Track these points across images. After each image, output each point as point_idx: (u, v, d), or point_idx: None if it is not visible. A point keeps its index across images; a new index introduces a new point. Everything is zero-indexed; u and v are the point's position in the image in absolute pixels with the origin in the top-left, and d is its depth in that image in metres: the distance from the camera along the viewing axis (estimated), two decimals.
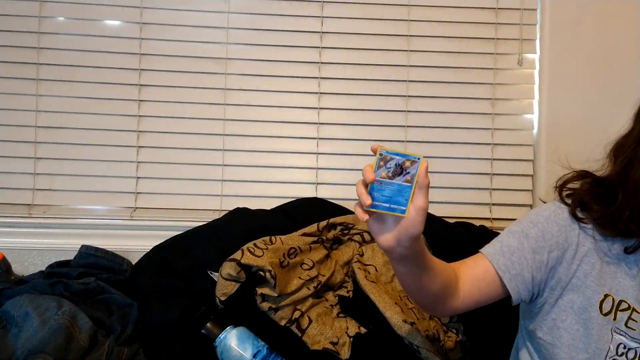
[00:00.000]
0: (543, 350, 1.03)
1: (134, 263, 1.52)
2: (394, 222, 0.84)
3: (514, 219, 1.71)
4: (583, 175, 1.05)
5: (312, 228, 1.45)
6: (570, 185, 1.05)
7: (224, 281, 1.26)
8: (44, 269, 1.48)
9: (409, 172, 0.82)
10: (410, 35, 1.75)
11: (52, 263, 1.47)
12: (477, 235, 1.54)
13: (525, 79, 1.76)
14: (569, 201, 1.02)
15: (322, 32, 1.74)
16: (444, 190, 1.75)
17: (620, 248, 1.00)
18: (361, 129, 1.75)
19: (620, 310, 0.97)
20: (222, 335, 1.20)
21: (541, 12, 1.75)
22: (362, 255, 1.44)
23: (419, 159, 0.82)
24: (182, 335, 1.21)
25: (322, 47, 1.74)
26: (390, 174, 0.82)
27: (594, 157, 1.05)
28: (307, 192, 1.73)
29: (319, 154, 1.74)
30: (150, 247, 1.49)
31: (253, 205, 1.64)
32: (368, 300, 1.33)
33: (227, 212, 1.59)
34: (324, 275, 1.37)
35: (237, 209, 1.59)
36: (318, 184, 1.74)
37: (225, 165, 1.72)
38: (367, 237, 1.49)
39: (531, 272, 0.98)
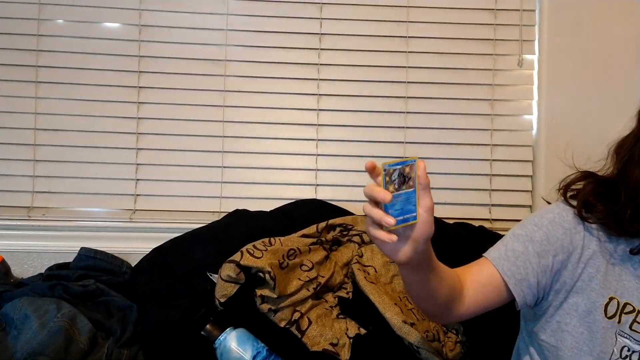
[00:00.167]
0: (546, 352, 1.02)
1: (133, 265, 1.52)
2: (406, 233, 0.82)
3: (514, 220, 1.75)
4: (586, 175, 1.04)
5: (312, 229, 1.45)
6: (573, 187, 1.05)
7: (224, 283, 1.26)
8: (43, 271, 1.48)
9: (410, 177, 0.81)
10: (409, 37, 1.75)
11: (52, 265, 1.47)
12: (476, 235, 1.54)
13: (524, 79, 1.76)
14: (573, 202, 1.02)
15: (321, 34, 1.74)
16: (444, 192, 1.75)
17: (626, 249, 1.00)
18: (360, 130, 1.75)
19: (625, 313, 0.97)
20: (221, 337, 1.20)
21: (540, 13, 1.75)
22: (361, 256, 1.44)
23: (414, 161, 0.81)
24: (182, 337, 1.21)
25: (321, 49, 1.74)
26: (396, 186, 0.80)
27: (594, 157, 1.05)
28: (307, 193, 1.72)
29: (318, 155, 1.74)
30: (150, 249, 1.49)
31: (252, 206, 1.64)
32: (368, 301, 1.33)
33: (227, 213, 1.59)
34: (323, 277, 1.37)
35: (237, 211, 1.59)
36: (317, 185, 1.74)
37: (224, 167, 1.72)
38: (366, 238, 1.49)
39: (536, 276, 0.98)
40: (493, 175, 1.76)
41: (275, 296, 1.27)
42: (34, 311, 1.17)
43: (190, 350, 1.20)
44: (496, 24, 1.76)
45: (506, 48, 1.76)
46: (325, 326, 1.30)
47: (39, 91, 1.69)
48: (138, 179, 1.71)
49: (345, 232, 1.49)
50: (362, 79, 1.74)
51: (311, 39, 1.74)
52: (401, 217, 0.79)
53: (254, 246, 1.31)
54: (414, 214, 0.80)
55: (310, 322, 1.30)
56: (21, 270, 1.61)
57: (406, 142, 1.75)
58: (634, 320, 0.97)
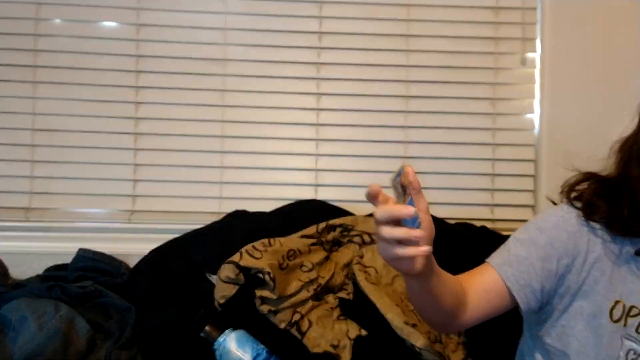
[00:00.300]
0: (553, 357, 1.01)
1: (132, 266, 1.51)
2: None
3: (516, 220, 1.73)
4: (588, 176, 1.04)
5: (311, 230, 1.44)
6: (577, 188, 1.04)
7: (223, 284, 1.25)
8: (41, 272, 1.46)
9: (406, 185, 0.80)
10: (409, 35, 1.74)
11: (50, 267, 1.46)
12: (477, 236, 1.53)
13: (526, 78, 1.75)
14: (577, 204, 1.01)
15: (321, 33, 1.73)
16: (445, 192, 1.73)
17: (631, 250, 0.99)
18: (360, 129, 1.74)
19: (631, 316, 0.96)
20: (221, 339, 1.19)
21: (541, 10, 1.74)
22: (362, 257, 1.42)
23: (403, 169, 0.80)
24: (181, 339, 1.20)
25: (321, 48, 1.73)
26: (403, 198, 0.79)
27: (596, 156, 1.04)
28: (307, 193, 1.71)
29: (318, 155, 1.73)
30: (149, 251, 1.48)
31: (252, 207, 1.62)
32: (369, 302, 1.31)
33: (226, 214, 1.58)
34: (323, 277, 1.36)
35: (236, 212, 1.58)
36: (317, 185, 1.73)
37: (223, 167, 1.71)
38: (366, 238, 1.47)
39: (540, 281, 0.97)
40: (495, 175, 1.75)
41: (275, 297, 1.26)
42: (31, 313, 1.16)
43: (190, 351, 1.19)
44: (497, 22, 1.75)
45: (508, 46, 1.75)
46: (325, 327, 1.29)
47: (36, 91, 1.68)
48: (136, 180, 1.70)
49: (345, 233, 1.48)
50: (362, 78, 1.73)
51: (311, 37, 1.73)
52: (415, 226, 0.77)
53: (253, 247, 1.30)
54: (419, 220, 0.78)
55: (310, 324, 1.28)
56: (19, 271, 1.59)
57: (407, 142, 1.74)
58: None
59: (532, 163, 1.74)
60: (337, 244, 1.48)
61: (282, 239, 1.36)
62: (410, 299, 0.94)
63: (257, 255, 1.27)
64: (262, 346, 1.20)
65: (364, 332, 1.28)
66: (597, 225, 0.99)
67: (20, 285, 1.37)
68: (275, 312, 1.27)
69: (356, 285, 1.38)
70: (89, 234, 1.63)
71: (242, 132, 1.71)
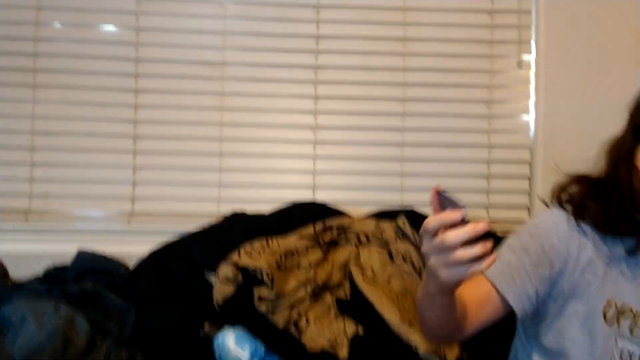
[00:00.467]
0: (549, 356, 1.01)
1: (131, 267, 1.51)
2: None
3: (511, 222, 1.75)
4: (578, 178, 1.04)
5: (309, 230, 1.45)
6: (568, 190, 1.04)
7: (222, 283, 1.26)
8: (41, 273, 1.47)
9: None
10: (406, 39, 1.76)
11: (49, 267, 1.47)
12: None
13: (521, 80, 1.77)
14: (567, 207, 1.02)
15: (318, 37, 1.75)
16: None
17: (622, 250, 1.00)
18: (357, 132, 1.75)
19: (624, 317, 0.97)
20: (220, 337, 1.20)
21: (536, 13, 1.76)
22: (358, 256, 1.44)
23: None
24: (181, 338, 1.21)
25: (318, 51, 1.75)
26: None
27: (591, 158, 1.05)
28: (305, 195, 1.72)
29: (316, 157, 1.74)
30: (148, 252, 1.49)
31: (250, 209, 1.63)
32: (366, 301, 1.33)
33: (225, 216, 1.59)
34: (320, 277, 1.38)
35: (234, 213, 1.59)
36: (315, 187, 1.74)
37: (222, 170, 1.72)
38: (363, 239, 1.49)
39: (534, 286, 0.97)
40: (490, 176, 1.76)
41: (273, 296, 1.27)
42: (31, 313, 1.17)
43: (189, 350, 1.20)
44: (493, 25, 1.77)
45: (503, 49, 1.77)
46: (323, 326, 1.30)
47: (36, 94, 1.69)
48: (136, 182, 1.71)
49: (342, 233, 1.49)
50: (359, 81, 1.75)
51: (308, 41, 1.75)
52: None
53: (251, 247, 1.31)
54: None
55: (308, 322, 1.30)
56: (19, 273, 1.59)
57: (403, 145, 1.75)
58: (633, 323, 0.97)
59: (528, 165, 1.76)
60: (334, 244, 1.49)
61: (280, 239, 1.38)
62: (426, 316, 0.92)
63: (256, 255, 1.29)
64: (261, 343, 1.22)
65: (361, 330, 1.30)
66: (587, 227, 1.00)
67: (20, 286, 1.38)
68: (274, 311, 1.29)
69: (353, 284, 1.39)
70: (89, 236, 1.65)
71: (240, 135, 1.73)
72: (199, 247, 1.45)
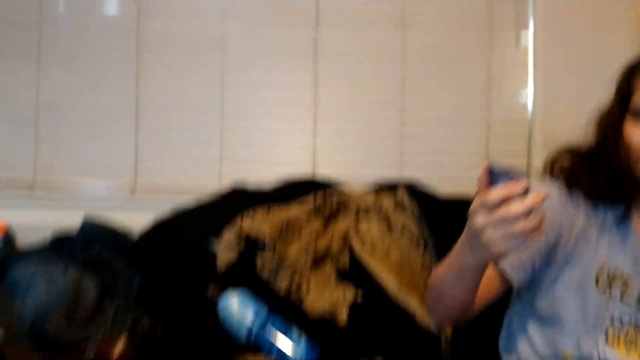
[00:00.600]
0: (544, 322, 1.04)
1: (135, 237, 1.54)
2: None
3: None
4: (570, 151, 1.07)
5: (309, 200, 1.48)
6: (559, 162, 1.07)
7: (225, 250, 1.29)
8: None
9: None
10: (405, 14, 1.76)
11: (56, 234, 1.49)
12: (469, 207, 1.56)
13: (519, 57, 1.79)
14: (560, 179, 1.05)
15: (318, 10, 1.75)
16: (440, 169, 1.77)
17: (612, 218, 1.03)
18: (358, 108, 1.77)
19: (615, 283, 1.00)
20: (224, 300, 1.23)
21: None
22: (358, 226, 1.47)
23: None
24: (185, 300, 1.24)
25: (319, 26, 1.75)
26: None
27: (587, 131, 1.07)
28: (305, 171, 1.74)
29: (316, 133, 1.76)
30: (147, 225, 1.52)
31: (251, 184, 1.66)
32: (365, 269, 1.36)
33: (226, 188, 1.62)
34: (321, 245, 1.41)
35: (236, 185, 1.62)
36: (315, 163, 1.76)
37: (223, 144, 1.74)
38: (362, 210, 1.51)
39: (531, 258, 1.00)
40: (489, 152, 1.78)
41: (274, 262, 1.30)
42: (41, 275, 1.20)
43: (194, 311, 1.23)
44: (491, 3, 1.78)
45: (502, 26, 1.78)
46: (323, 292, 1.34)
47: (40, 66, 1.70)
48: (138, 156, 1.73)
49: (342, 204, 1.52)
50: (359, 58, 1.76)
51: (308, 15, 1.75)
52: None
53: (253, 215, 1.34)
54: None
55: (309, 288, 1.33)
56: (25, 244, 1.63)
57: (403, 121, 1.77)
58: (624, 289, 1.00)
59: (526, 140, 1.78)
60: (334, 215, 1.52)
61: (281, 208, 1.41)
62: (446, 295, 0.97)
63: (258, 222, 1.32)
64: (263, 306, 1.25)
65: (359, 297, 1.33)
66: (579, 197, 1.03)
67: (28, 251, 1.41)
68: (275, 277, 1.32)
69: (352, 253, 1.42)
70: (92, 208, 1.66)
71: (241, 110, 1.75)
72: (202, 216, 1.48)
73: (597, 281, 1.00)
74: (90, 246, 1.41)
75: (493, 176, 0.79)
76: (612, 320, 0.99)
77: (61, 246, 1.41)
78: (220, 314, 1.24)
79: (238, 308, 1.23)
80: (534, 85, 1.77)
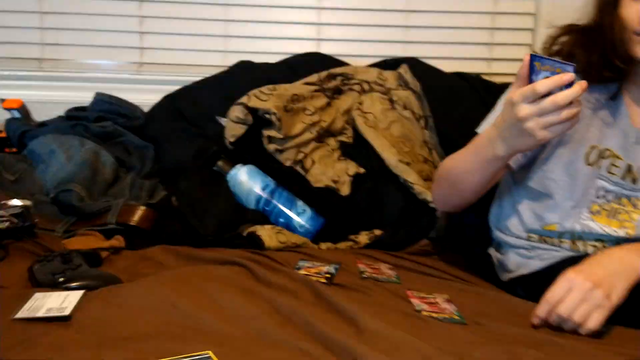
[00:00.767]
0: (535, 198, 1.10)
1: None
2: None
3: (513, 74, 1.78)
4: (568, 29, 1.07)
5: (314, 78, 1.50)
6: (558, 41, 1.07)
7: (233, 124, 1.34)
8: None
9: None
10: None
11: (70, 108, 1.54)
12: (471, 83, 1.59)
13: None
14: (558, 57, 1.05)
15: None
16: (444, 46, 1.77)
17: (605, 97, 1.05)
18: None
19: (604, 158, 1.05)
20: (232, 172, 1.30)
21: None
22: (361, 103, 1.50)
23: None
24: (197, 172, 1.31)
25: None
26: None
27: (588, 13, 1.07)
28: (309, 48, 1.74)
29: (321, 8, 1.74)
30: (157, 102, 1.55)
31: (256, 60, 1.67)
32: (367, 144, 1.42)
33: (232, 65, 1.63)
34: (325, 121, 1.45)
35: (242, 62, 1.63)
36: (320, 40, 1.76)
37: (227, 21, 1.73)
38: (365, 87, 1.54)
39: None
40: (494, 29, 1.77)
41: (280, 137, 1.36)
42: (59, 146, 1.26)
43: (206, 180, 1.31)
44: None
45: None
46: (327, 166, 1.41)
47: None
48: (143, 32, 1.72)
49: (346, 81, 1.54)
50: None
51: None
52: None
53: (260, 91, 1.38)
54: None
55: (313, 162, 1.40)
56: (38, 119, 1.68)
57: None
58: (612, 164, 1.05)
59: (532, 17, 1.76)
60: (338, 92, 1.55)
61: (286, 85, 1.44)
62: (466, 183, 1.06)
63: (264, 98, 1.35)
64: (270, 179, 1.32)
65: (362, 170, 1.40)
66: (576, 76, 1.05)
67: (44, 124, 1.47)
68: (281, 151, 1.38)
69: (355, 130, 1.48)
70: (101, 84, 1.69)
71: None
72: (209, 92, 1.51)
73: (587, 158, 1.05)
74: (103, 120, 1.46)
75: (534, 67, 0.84)
76: (597, 194, 1.05)
77: (76, 121, 1.46)
78: (230, 186, 1.31)
79: (247, 180, 1.30)
80: None
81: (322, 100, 1.48)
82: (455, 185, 1.10)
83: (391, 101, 1.51)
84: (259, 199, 1.30)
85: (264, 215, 1.30)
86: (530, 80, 0.87)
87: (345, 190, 1.38)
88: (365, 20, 1.75)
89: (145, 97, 1.64)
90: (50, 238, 1.15)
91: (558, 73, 0.84)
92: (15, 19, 1.69)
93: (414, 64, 1.57)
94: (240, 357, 0.72)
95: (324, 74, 1.52)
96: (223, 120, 1.40)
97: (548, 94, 0.84)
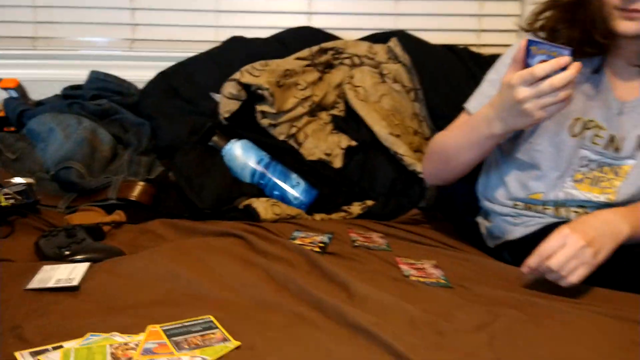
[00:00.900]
0: (523, 168, 1.14)
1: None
2: None
3: (501, 45, 1.80)
4: (551, 4, 1.10)
5: (305, 52, 1.52)
6: (541, 16, 1.10)
7: (227, 100, 1.37)
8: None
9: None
10: None
11: (66, 86, 1.56)
12: (459, 55, 1.61)
13: None
14: (542, 33, 1.09)
15: None
16: (433, 17, 1.79)
17: (588, 71, 1.08)
18: None
19: (588, 129, 1.09)
20: (228, 146, 1.34)
21: None
22: (352, 77, 1.53)
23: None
24: (193, 148, 1.35)
25: None
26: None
27: None
28: (300, 22, 1.75)
29: None
30: (150, 78, 1.58)
31: (247, 35, 1.68)
32: (358, 117, 1.45)
33: (224, 40, 1.65)
34: (317, 96, 1.48)
35: (234, 37, 1.65)
36: (311, 13, 1.77)
37: None
38: (356, 61, 1.57)
39: None
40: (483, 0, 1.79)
41: (274, 112, 1.39)
42: (57, 124, 1.29)
43: (202, 155, 1.34)
44: None
45: None
46: (320, 139, 1.44)
47: None
48: (134, 8, 1.73)
49: (337, 56, 1.57)
50: None
51: None
52: None
53: (252, 66, 1.40)
54: None
55: (306, 136, 1.44)
56: (34, 97, 1.70)
57: None
58: (595, 134, 1.09)
59: None
60: (329, 66, 1.57)
61: (278, 61, 1.46)
62: (460, 160, 1.11)
63: (257, 74, 1.38)
64: (265, 153, 1.36)
65: (353, 143, 1.44)
66: None
67: (41, 103, 1.49)
68: (275, 126, 1.42)
69: (347, 103, 1.51)
70: (95, 62, 1.71)
71: None
72: (203, 69, 1.54)
73: (571, 130, 1.09)
74: (99, 98, 1.48)
75: (530, 51, 0.88)
76: (581, 163, 1.10)
77: (72, 100, 1.48)
78: (225, 161, 1.35)
79: (241, 154, 1.33)
80: None
81: (313, 75, 1.50)
82: (449, 161, 1.14)
83: (381, 75, 1.54)
84: (253, 172, 1.34)
85: (259, 188, 1.34)
86: (526, 64, 0.92)
87: (337, 162, 1.42)
88: None
89: (139, 74, 1.66)
90: (53, 214, 1.19)
91: (554, 56, 0.88)
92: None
93: (404, 37, 1.59)
94: (239, 320, 0.77)
95: (315, 48, 1.54)
96: (217, 97, 1.43)
97: (545, 76, 0.88)
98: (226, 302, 0.83)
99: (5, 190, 1.08)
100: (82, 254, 0.94)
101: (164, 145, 1.39)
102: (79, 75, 1.62)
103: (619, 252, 0.93)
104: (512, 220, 1.16)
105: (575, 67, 0.88)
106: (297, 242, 1.10)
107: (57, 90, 1.67)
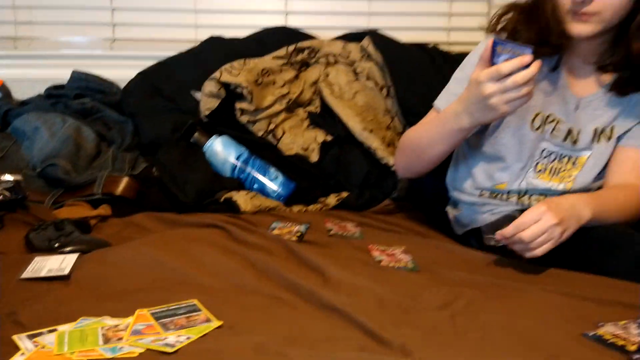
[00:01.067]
0: (489, 161, 1.20)
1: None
2: None
3: (471, 44, 1.87)
4: (512, 7, 1.16)
5: (282, 52, 1.58)
6: (503, 18, 1.16)
7: (207, 98, 1.43)
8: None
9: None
10: None
11: (49, 87, 1.60)
12: (429, 53, 1.69)
13: None
14: (503, 34, 1.15)
15: None
16: (403, 17, 1.86)
17: (547, 69, 1.15)
18: None
19: (548, 123, 1.16)
20: (209, 143, 1.39)
21: None
22: (327, 75, 1.59)
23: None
24: (175, 143, 1.40)
25: None
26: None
27: None
28: (277, 21, 1.81)
29: None
30: (131, 77, 1.61)
31: (225, 35, 1.73)
32: (333, 113, 1.52)
33: (203, 40, 1.70)
34: (294, 93, 1.55)
35: (212, 38, 1.70)
36: (287, 13, 1.83)
37: None
38: (331, 59, 1.63)
39: None
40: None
41: (252, 109, 1.45)
42: (42, 123, 1.33)
43: (184, 152, 1.40)
44: None
45: None
46: (297, 135, 1.51)
47: None
48: (114, 8, 1.77)
49: (312, 54, 1.63)
50: None
51: None
52: None
53: (231, 65, 1.46)
54: None
55: (284, 132, 1.50)
56: (16, 97, 1.73)
57: None
58: (555, 128, 1.16)
59: None
60: (305, 64, 1.63)
61: (256, 60, 1.52)
62: (431, 153, 1.17)
63: (235, 73, 1.44)
64: (244, 148, 1.42)
65: (329, 138, 1.50)
66: None
67: (25, 103, 1.53)
68: (254, 122, 1.48)
69: (323, 100, 1.57)
70: (76, 61, 1.74)
71: None
72: (183, 68, 1.58)
73: (532, 124, 1.16)
74: (82, 97, 1.52)
75: (495, 51, 0.96)
76: (541, 155, 1.17)
77: (55, 99, 1.52)
78: (207, 156, 1.40)
79: (222, 150, 1.39)
80: None
81: (290, 73, 1.56)
82: (421, 155, 1.20)
83: (355, 72, 1.60)
84: (234, 167, 1.40)
85: (239, 182, 1.39)
86: (492, 62, 0.99)
87: (314, 157, 1.49)
88: None
89: (119, 73, 1.69)
90: (41, 209, 1.23)
91: (517, 55, 0.96)
92: None
93: (376, 36, 1.66)
94: (221, 303, 0.83)
95: (291, 47, 1.60)
96: (197, 95, 1.48)
97: (509, 74, 0.96)
98: (209, 287, 0.89)
99: None
100: (71, 245, 1.00)
101: (147, 142, 1.44)
102: (61, 74, 1.64)
103: (575, 234, 1.01)
104: (478, 209, 1.23)
105: (536, 65, 0.96)
106: (276, 232, 1.16)
107: (39, 90, 1.70)
